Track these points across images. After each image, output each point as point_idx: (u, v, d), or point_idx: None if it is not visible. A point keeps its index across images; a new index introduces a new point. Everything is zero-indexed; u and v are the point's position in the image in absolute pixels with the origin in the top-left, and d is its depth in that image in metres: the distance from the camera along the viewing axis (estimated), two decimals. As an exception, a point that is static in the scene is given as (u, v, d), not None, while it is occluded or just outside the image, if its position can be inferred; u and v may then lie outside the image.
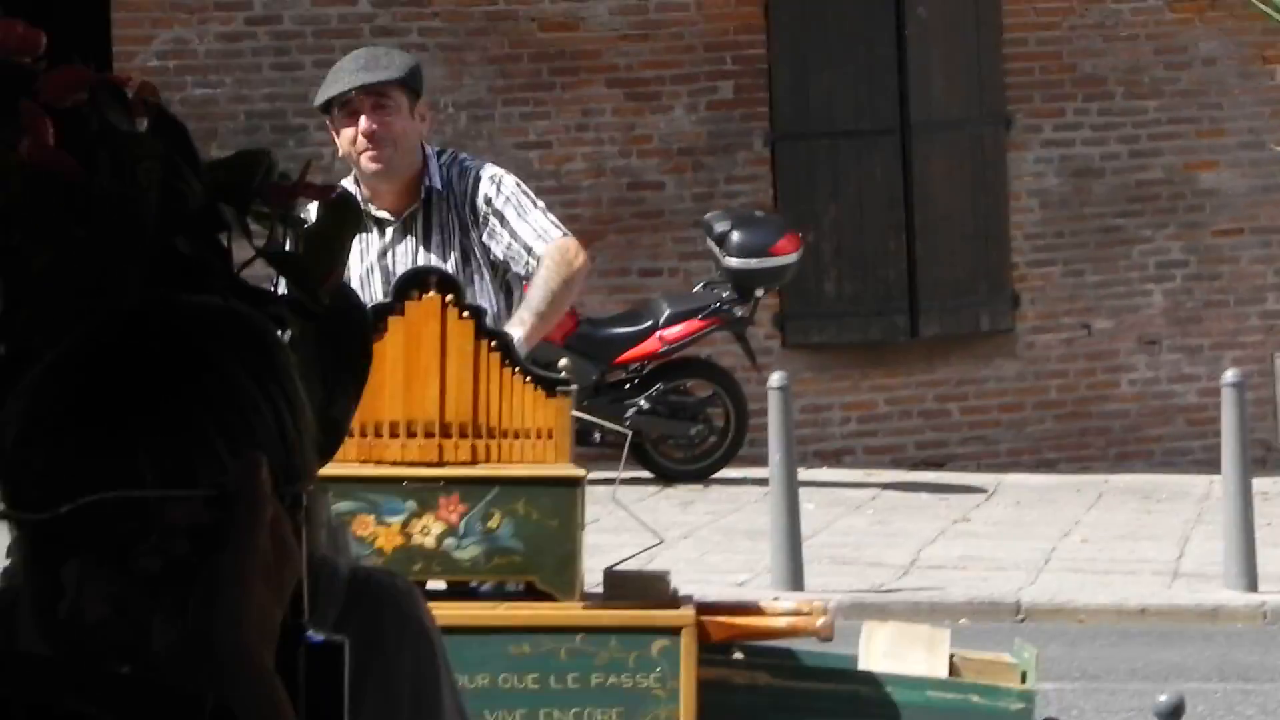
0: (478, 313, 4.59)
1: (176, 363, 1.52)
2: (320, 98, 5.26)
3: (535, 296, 4.96)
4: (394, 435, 4.44)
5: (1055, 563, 10.13)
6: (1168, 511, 11.49)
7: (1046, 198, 13.24)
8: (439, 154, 5.24)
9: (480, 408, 4.45)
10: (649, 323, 11.91)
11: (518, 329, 4.84)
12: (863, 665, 4.60)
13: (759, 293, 12.01)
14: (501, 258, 5.08)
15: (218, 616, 1.41)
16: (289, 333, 1.76)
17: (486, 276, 5.12)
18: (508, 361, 4.50)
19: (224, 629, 1.40)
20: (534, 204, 5.17)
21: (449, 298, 4.51)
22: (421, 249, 5.11)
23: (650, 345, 11.92)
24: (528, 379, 4.50)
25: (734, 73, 12.94)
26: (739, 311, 11.96)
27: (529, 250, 5.05)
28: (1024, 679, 4.64)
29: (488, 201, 5.10)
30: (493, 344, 4.51)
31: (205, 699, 1.39)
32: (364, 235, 5.15)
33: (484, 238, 5.09)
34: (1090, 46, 13.21)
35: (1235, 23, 12.93)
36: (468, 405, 4.45)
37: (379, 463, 4.40)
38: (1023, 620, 9.15)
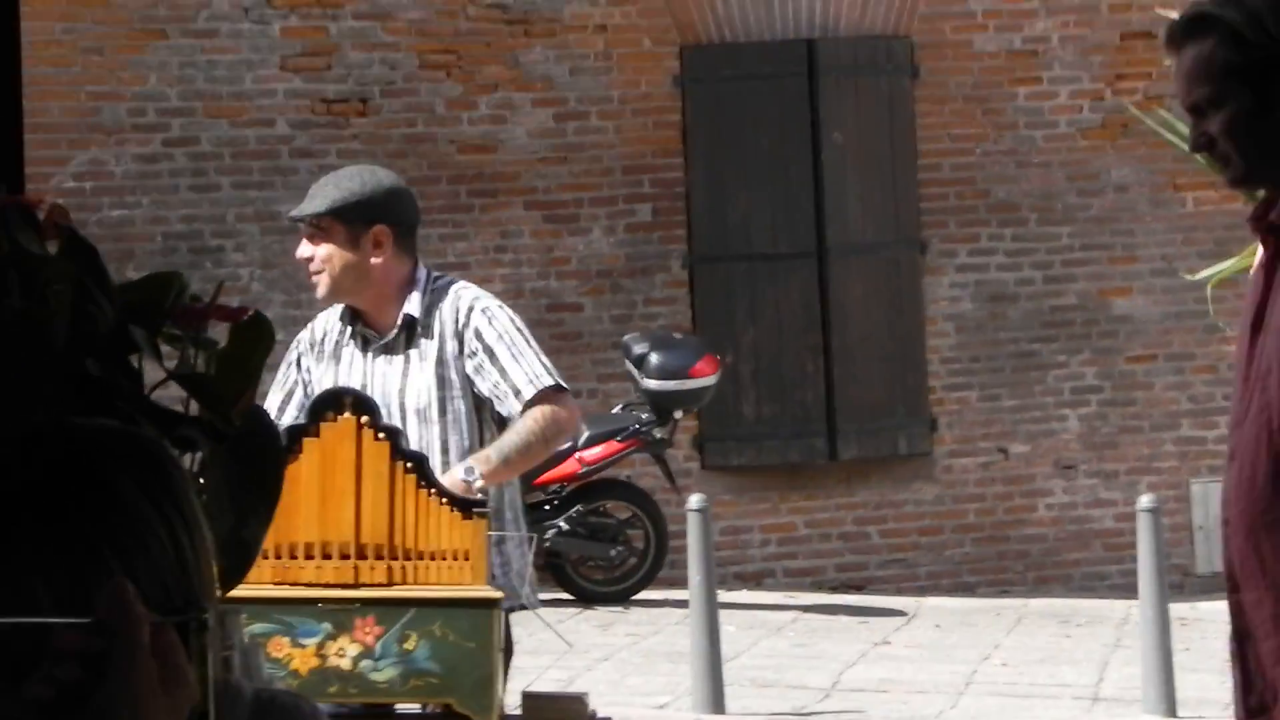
0: (393, 433, 4.57)
1: (70, 484, 1.51)
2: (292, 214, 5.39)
3: (510, 443, 4.93)
4: (309, 557, 4.41)
5: (976, 686, 10.12)
6: (1087, 636, 11.51)
7: (962, 322, 13.33)
8: (437, 279, 5.23)
9: (396, 529, 4.42)
10: (568, 444, 11.91)
11: (481, 465, 4.81)
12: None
13: (678, 414, 12.03)
14: (486, 394, 5.04)
15: None
16: (199, 455, 1.74)
17: (463, 407, 5.07)
18: (423, 483, 4.48)
19: None
20: (528, 344, 5.12)
21: (364, 419, 4.50)
22: (399, 373, 5.10)
23: (569, 466, 11.91)
24: (444, 501, 4.48)
25: (652, 195, 13.01)
26: (658, 433, 11.97)
27: (517, 393, 5.01)
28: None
29: (478, 335, 5.07)
30: (408, 465, 4.49)
31: None
32: (354, 350, 5.16)
33: (469, 370, 5.06)
34: (1004, 173, 13.36)
35: (1147, 150, 13.10)
36: (383, 526, 4.42)
37: (294, 584, 4.37)
38: (943, 744, 9.12)
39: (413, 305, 5.11)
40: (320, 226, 5.15)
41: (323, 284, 5.16)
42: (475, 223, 12.86)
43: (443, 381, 5.06)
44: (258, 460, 1.77)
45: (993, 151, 13.35)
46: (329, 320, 5.26)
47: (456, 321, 5.10)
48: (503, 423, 5.06)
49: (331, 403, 4.54)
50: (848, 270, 13.11)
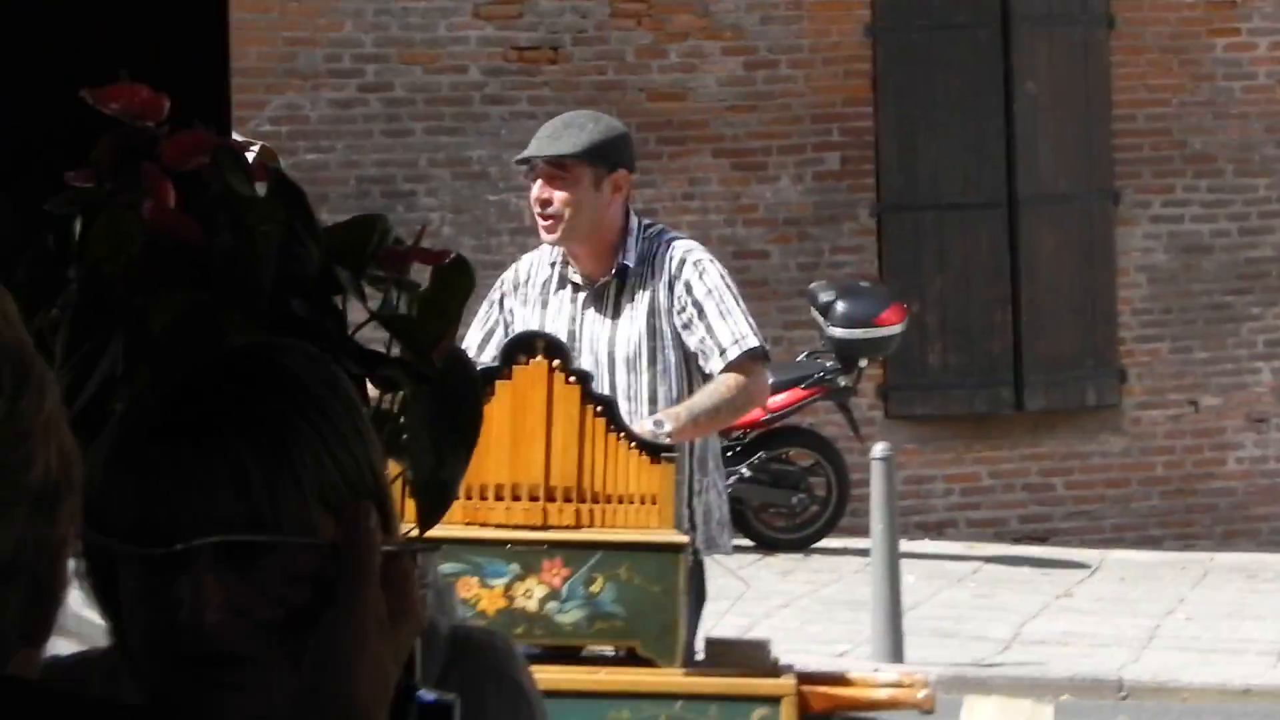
0: (584, 377, 4.61)
1: (273, 390, 1.54)
2: (521, 155, 5.28)
3: (701, 405, 4.91)
4: (499, 498, 4.47)
5: (1159, 640, 10.04)
6: (1273, 591, 11.36)
7: (1155, 273, 13.17)
8: (647, 226, 5.22)
9: (585, 472, 4.46)
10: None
11: (669, 422, 4.81)
12: (964, 739, 4.58)
13: (863, 363, 11.99)
14: (693, 349, 5.03)
15: (332, 672, 1.41)
16: (401, 395, 1.78)
17: (673, 358, 5.06)
18: (613, 427, 4.52)
19: (338, 685, 1.41)
20: (736, 302, 5.11)
21: (556, 362, 4.54)
22: (610, 320, 5.09)
23: (753, 413, 11.92)
24: (632, 445, 4.52)
25: (841, 144, 12.96)
26: (842, 381, 11.94)
27: (721, 351, 5.00)
28: (1126, 756, 4.60)
29: (688, 289, 5.05)
30: (598, 409, 4.53)
31: None
32: (562, 295, 5.15)
33: (678, 324, 5.05)
34: (1200, 124, 13.16)
35: (1347, 101, 12.86)
36: (572, 469, 4.47)
37: (484, 525, 4.42)
38: (1125, 698, 9.06)
39: (629, 254, 5.08)
40: (564, 168, 5.09)
41: (557, 227, 5.08)
42: (664, 170, 12.88)
43: (654, 332, 5.05)
44: (457, 401, 1.80)
45: (1189, 102, 13.16)
46: (536, 261, 5.23)
47: (669, 273, 5.07)
48: (706, 378, 5.07)
49: (524, 346, 4.59)
50: (1038, 220, 12.99)
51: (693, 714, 4.39)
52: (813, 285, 12.23)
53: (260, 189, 1.83)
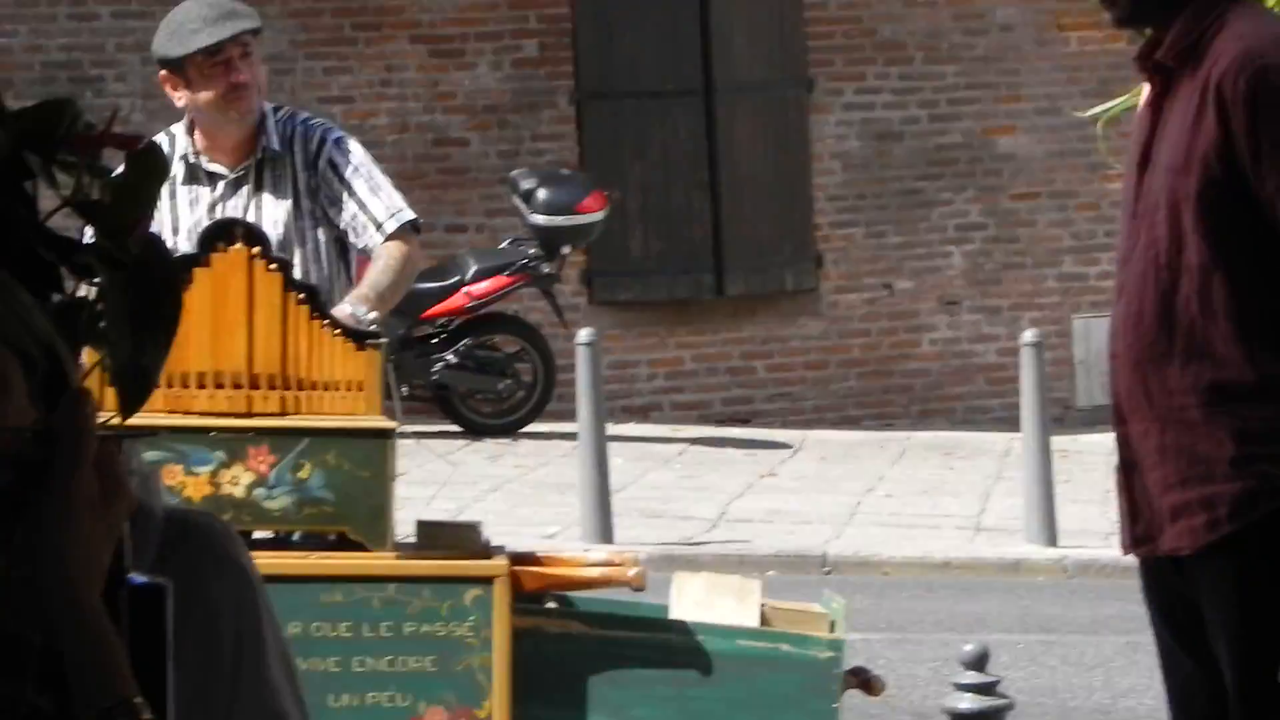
0: (284, 265, 4.56)
1: None
2: (184, 48, 5.07)
3: (383, 281, 4.90)
4: (201, 386, 4.41)
5: (860, 517, 10.27)
6: (969, 468, 11.68)
7: (848, 160, 13.38)
8: (275, 110, 5.16)
9: (289, 359, 4.42)
10: (456, 278, 11.89)
11: (364, 306, 4.79)
12: (674, 615, 4.65)
13: (565, 250, 12.04)
14: (342, 226, 5.00)
15: (43, 555, 1.40)
16: (97, 282, 1.74)
17: (322, 238, 5.03)
18: (316, 314, 4.48)
19: (49, 567, 1.40)
20: (382, 175, 5.10)
21: (255, 250, 4.48)
22: (253, 206, 5.04)
23: (457, 300, 11.91)
24: (336, 331, 4.49)
25: (538, 31, 12.93)
26: (546, 268, 11.98)
27: (379, 225, 4.97)
28: (833, 628, 4.70)
29: (333, 166, 5.02)
30: (301, 296, 4.49)
31: (32, 639, 1.39)
32: (194, 188, 5.08)
33: (324, 203, 5.02)
34: (890, 11, 13.35)
35: (1032, -12, 13.13)
36: (276, 357, 4.42)
37: (186, 413, 4.37)
38: (829, 573, 9.27)
39: (270, 137, 5.05)
40: (251, 43, 5.05)
41: (252, 104, 5.03)
42: (360, 56, 12.73)
43: (300, 213, 5.03)
44: (155, 287, 1.77)
45: (880, -12, 13.34)
46: None
47: (308, 152, 5.05)
48: (359, 253, 5.07)
49: (222, 233, 4.52)
50: (735, 108, 13.11)
51: (406, 596, 4.40)
52: (514, 173, 12.22)
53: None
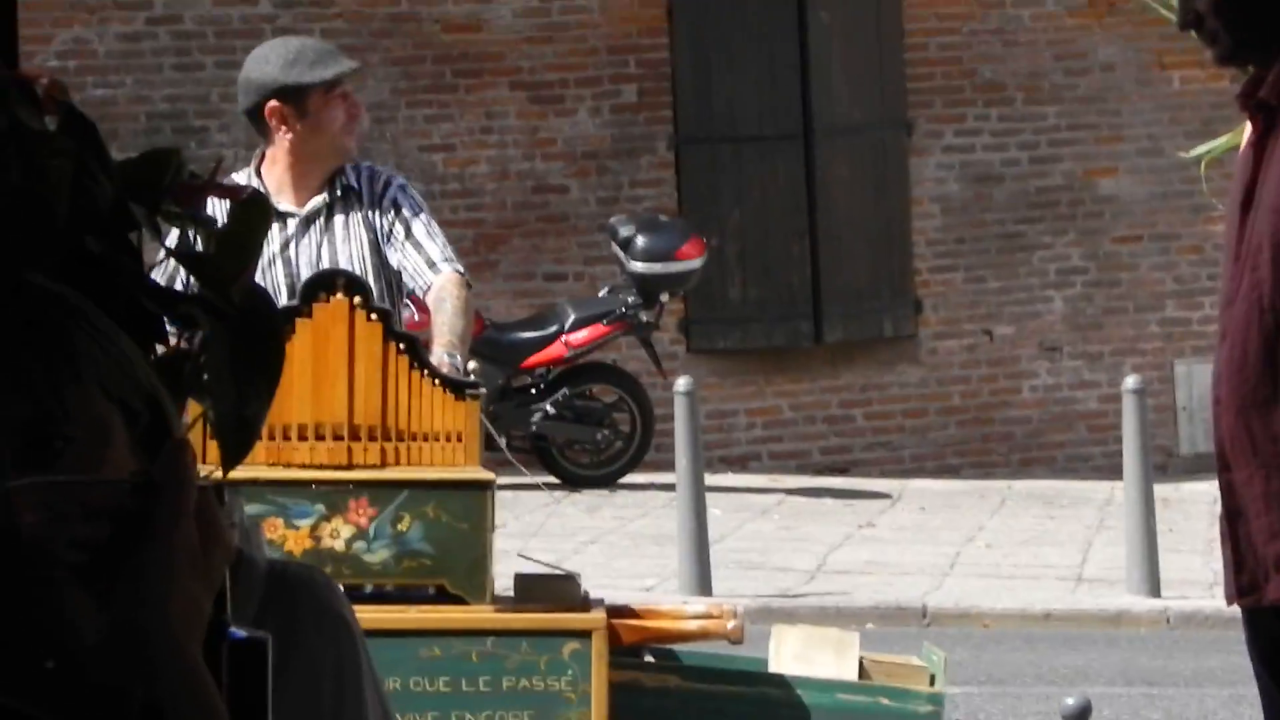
0: (386, 315, 4.56)
1: (24, 297, 1.53)
2: (311, 77, 5.15)
3: (460, 325, 4.96)
4: (303, 438, 4.41)
5: (960, 568, 10.18)
6: (1070, 517, 11.57)
7: (948, 203, 13.31)
8: None
9: (389, 410, 4.42)
10: (554, 327, 11.89)
11: (456, 353, 4.83)
12: (772, 668, 4.60)
13: (664, 298, 12.02)
14: (396, 267, 5.08)
15: (145, 606, 1.39)
16: (201, 333, 1.73)
17: (389, 276, 5.13)
18: (416, 364, 4.47)
19: (151, 618, 1.39)
20: (435, 223, 5.21)
21: (356, 300, 4.48)
22: (325, 245, 5.10)
23: (555, 350, 11.90)
24: (436, 382, 4.47)
25: (638, 76, 12.94)
26: (644, 316, 11.96)
27: (433, 265, 5.05)
28: (933, 682, 4.65)
29: (396, 207, 5.11)
30: (401, 346, 4.48)
31: (134, 693, 1.38)
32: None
33: (383, 245, 5.10)
34: (990, 52, 13.29)
35: (1133, 29, 13.04)
36: (376, 408, 4.42)
37: (288, 465, 4.36)
38: (928, 625, 9.18)
39: (349, 176, 5.15)
40: (349, 84, 5.22)
41: (358, 140, 5.21)
42: (461, 103, 12.79)
43: (376, 250, 5.11)
44: (258, 338, 1.76)
45: (979, 30, 13.28)
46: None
47: (373, 193, 5.13)
48: (407, 295, 5.16)
49: (323, 284, 4.52)
50: (833, 152, 13.07)
51: (504, 649, 4.37)
52: (612, 220, 12.22)
53: (51, 123, 1.78)
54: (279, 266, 5.06)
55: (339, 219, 5.13)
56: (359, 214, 5.13)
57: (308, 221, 5.13)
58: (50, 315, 1.51)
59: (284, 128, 5.15)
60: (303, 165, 5.15)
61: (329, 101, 5.14)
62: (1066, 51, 13.32)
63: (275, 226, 5.11)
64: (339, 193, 5.12)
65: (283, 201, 5.14)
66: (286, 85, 5.12)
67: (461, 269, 5.12)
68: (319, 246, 5.07)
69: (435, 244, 5.08)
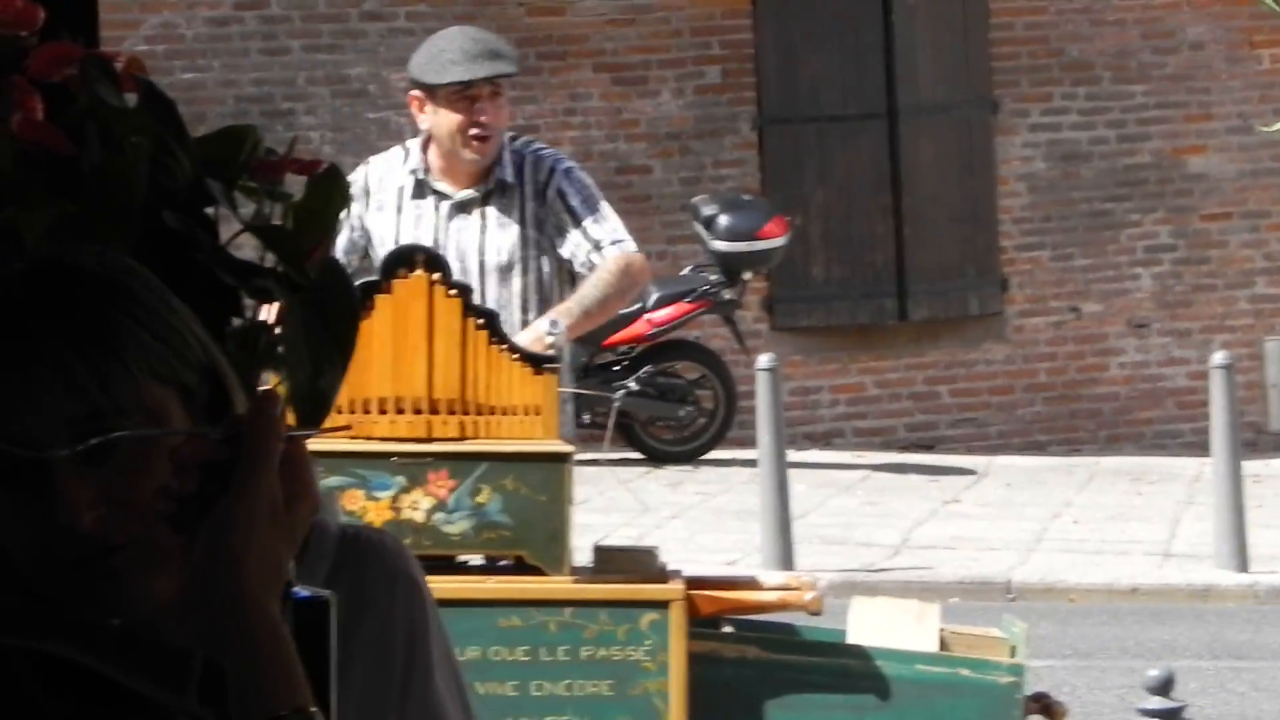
0: (464, 290, 4.61)
1: (73, 287, 1.55)
2: (438, 78, 5.14)
3: (589, 295, 4.94)
4: (383, 411, 4.47)
5: (1046, 543, 10.17)
6: (1158, 493, 11.53)
7: (1034, 182, 13.27)
8: (512, 139, 5.21)
9: (468, 384, 4.47)
10: (637, 305, 11.95)
11: (564, 318, 4.84)
12: (852, 639, 4.63)
13: (747, 276, 12.04)
14: (567, 256, 5.05)
15: (221, 559, 1.42)
16: (276, 305, 1.78)
17: (546, 268, 5.08)
18: (494, 339, 4.53)
19: (227, 576, 1.42)
20: (609, 208, 5.14)
21: (435, 276, 4.54)
22: (479, 231, 5.08)
23: (639, 328, 11.95)
24: (515, 356, 4.53)
25: (721, 57, 12.96)
26: (727, 294, 11.99)
27: (599, 247, 5.03)
28: (1013, 653, 4.67)
29: (561, 196, 5.06)
30: (479, 321, 4.54)
31: (194, 654, 1.41)
32: (420, 204, 5.15)
33: (551, 232, 5.06)
34: (1078, 31, 13.24)
35: (1223, 7, 12.95)
36: (455, 382, 4.47)
37: (368, 439, 4.43)
38: (1013, 600, 9.18)
39: (505, 168, 5.09)
40: (500, 87, 5.10)
41: (487, 149, 5.08)
42: (544, 86, 12.84)
43: (526, 241, 5.07)
44: (333, 311, 1.80)
45: (1066, 9, 13.23)
46: (387, 168, 5.23)
47: (539, 182, 5.08)
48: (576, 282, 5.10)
49: (403, 260, 4.58)
50: (918, 131, 13.05)
51: (582, 620, 4.43)
52: (695, 199, 12.25)
53: (130, 101, 1.82)
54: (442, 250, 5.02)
55: (492, 210, 5.09)
56: (516, 204, 5.07)
57: (463, 206, 5.12)
58: (95, 308, 1.54)
59: (420, 115, 5.20)
60: (447, 157, 5.13)
61: (454, 104, 5.10)
62: (1155, 30, 13.25)
63: (431, 204, 5.13)
64: (493, 185, 5.09)
65: (442, 181, 5.14)
66: (418, 80, 5.17)
67: (631, 246, 5.06)
68: (470, 233, 5.08)
69: (601, 229, 5.04)
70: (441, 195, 5.15)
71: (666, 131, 12.94)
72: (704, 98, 12.94)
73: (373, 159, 5.40)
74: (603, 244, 5.03)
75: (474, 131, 5.08)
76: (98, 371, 1.50)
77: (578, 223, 5.06)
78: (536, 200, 5.08)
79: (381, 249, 4.95)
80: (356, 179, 5.24)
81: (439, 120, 5.13)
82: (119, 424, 1.49)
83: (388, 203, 5.16)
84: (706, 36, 12.91)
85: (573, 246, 5.05)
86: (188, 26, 12.54)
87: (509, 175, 5.09)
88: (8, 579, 1.53)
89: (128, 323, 1.53)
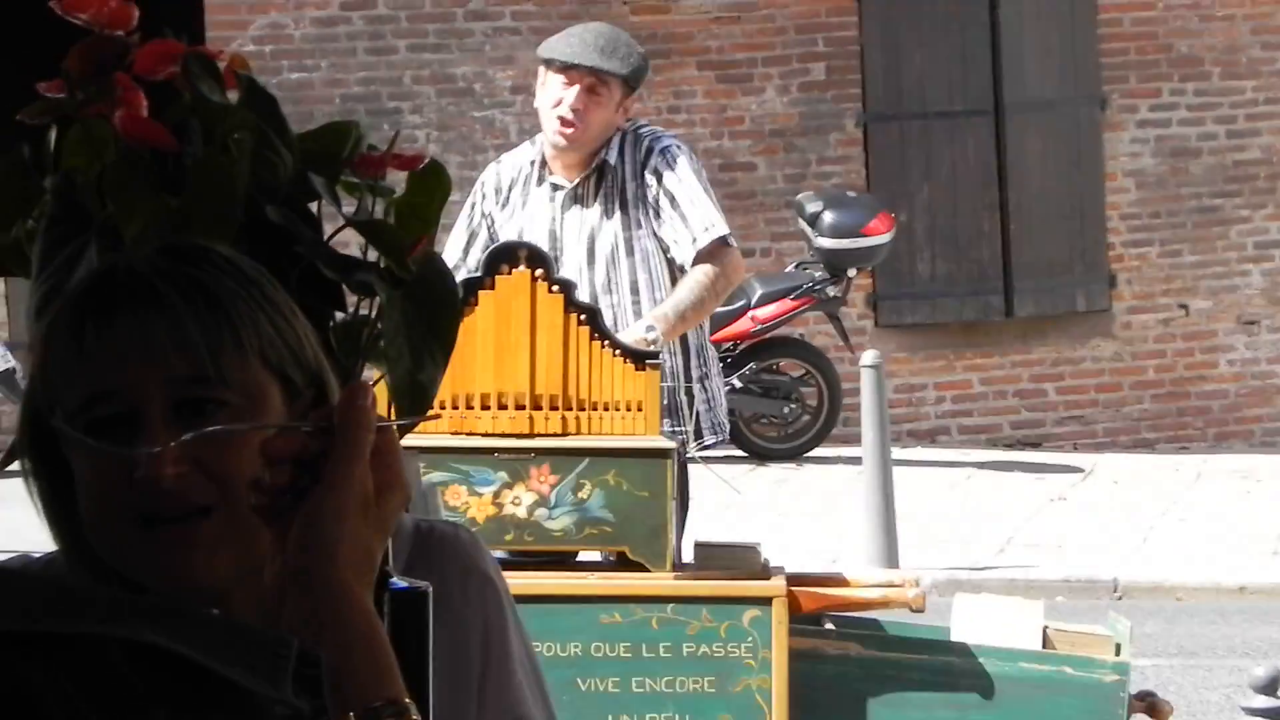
0: (566, 286, 4.63)
1: (204, 262, 1.58)
2: (546, 51, 5.17)
3: (685, 298, 4.93)
4: (485, 407, 4.49)
5: (1153, 542, 10.09)
6: (1267, 491, 11.41)
7: (1143, 178, 13.17)
8: (639, 127, 5.20)
9: (570, 380, 4.48)
10: (741, 303, 11.94)
11: (660, 324, 4.85)
12: (955, 637, 4.61)
13: (851, 273, 12.01)
14: (666, 240, 5.04)
15: (315, 550, 1.43)
16: (378, 299, 1.79)
17: (650, 246, 5.07)
18: (596, 335, 4.54)
19: (321, 562, 1.42)
20: (704, 190, 5.09)
21: (539, 272, 4.56)
22: (589, 215, 5.10)
23: (743, 325, 11.94)
24: (616, 352, 4.54)
25: (826, 54, 12.93)
26: (831, 291, 11.96)
27: (692, 240, 5.00)
28: (1118, 651, 4.64)
29: (659, 177, 5.05)
30: (582, 317, 4.55)
31: (289, 643, 1.42)
32: (539, 195, 5.16)
33: (649, 213, 5.06)
34: (1186, 27, 13.12)
35: (1334, 0, 12.82)
36: (558, 378, 4.48)
37: (470, 434, 4.45)
38: (1120, 598, 9.12)
39: (610, 151, 5.10)
40: (606, 84, 5.08)
41: (571, 137, 5.07)
42: (649, 83, 12.80)
43: (630, 222, 5.07)
44: (433, 305, 1.81)
45: (1174, 5, 13.12)
46: (517, 163, 5.25)
47: (638, 162, 5.09)
48: (679, 265, 5.10)
49: (506, 256, 4.60)
50: (1025, 127, 12.98)
51: (684, 616, 4.43)
52: (800, 196, 12.22)
53: (233, 97, 1.84)
54: (546, 240, 5.04)
55: (602, 192, 5.09)
56: (618, 185, 5.08)
57: (574, 196, 5.13)
58: (220, 283, 1.57)
59: (538, 92, 5.24)
60: (547, 136, 5.15)
61: (549, 82, 5.11)
62: (1264, 26, 13.12)
63: (546, 196, 5.15)
64: (597, 169, 5.10)
65: (556, 173, 5.16)
66: (538, 54, 5.21)
67: (723, 232, 5.02)
68: (581, 218, 5.09)
69: (696, 213, 5.00)
70: (556, 186, 5.16)
71: (771, 129, 12.92)
72: (809, 95, 12.92)
73: (504, 156, 5.43)
74: (696, 236, 5.02)
75: (559, 113, 5.08)
76: (210, 336, 1.53)
77: (675, 205, 5.04)
78: (636, 180, 5.08)
79: None
80: (487, 177, 5.28)
81: (541, 95, 5.17)
82: (220, 393, 1.51)
83: (514, 198, 5.18)
84: (811, 33, 12.88)
85: (670, 231, 5.05)
86: (295, 26, 12.63)
87: (612, 157, 5.09)
88: (102, 569, 1.55)
89: (249, 303, 1.56)
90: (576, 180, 5.14)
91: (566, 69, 5.11)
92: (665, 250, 5.09)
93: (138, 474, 1.48)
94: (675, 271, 5.11)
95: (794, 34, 12.86)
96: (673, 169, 5.08)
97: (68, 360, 1.53)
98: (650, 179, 5.07)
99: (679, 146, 5.19)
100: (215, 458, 1.50)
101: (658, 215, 5.06)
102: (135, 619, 1.45)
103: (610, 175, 5.11)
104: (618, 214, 5.08)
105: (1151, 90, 13.14)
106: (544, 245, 4.95)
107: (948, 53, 12.89)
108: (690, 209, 5.04)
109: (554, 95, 5.12)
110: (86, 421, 1.51)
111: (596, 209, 5.10)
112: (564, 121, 5.09)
